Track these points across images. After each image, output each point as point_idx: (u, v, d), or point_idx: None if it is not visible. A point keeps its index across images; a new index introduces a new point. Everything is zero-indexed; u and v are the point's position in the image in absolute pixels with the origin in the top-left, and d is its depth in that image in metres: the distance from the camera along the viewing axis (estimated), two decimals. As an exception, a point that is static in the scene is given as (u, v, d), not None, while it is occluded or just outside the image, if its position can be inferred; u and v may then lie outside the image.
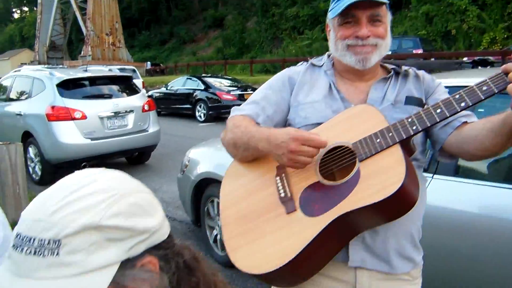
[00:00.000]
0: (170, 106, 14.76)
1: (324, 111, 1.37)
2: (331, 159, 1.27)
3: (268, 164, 1.36)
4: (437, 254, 2.21)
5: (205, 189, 4.02)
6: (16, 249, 0.64)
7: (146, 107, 7.34)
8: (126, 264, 0.66)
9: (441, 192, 2.32)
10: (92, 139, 6.52)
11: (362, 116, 1.26)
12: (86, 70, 7.69)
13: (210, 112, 13.20)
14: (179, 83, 14.97)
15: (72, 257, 0.62)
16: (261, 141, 1.29)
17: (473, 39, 18.11)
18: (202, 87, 13.79)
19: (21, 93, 7.26)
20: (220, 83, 14.25)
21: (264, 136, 1.29)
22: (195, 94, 13.81)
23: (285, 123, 1.46)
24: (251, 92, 13.60)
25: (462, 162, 2.35)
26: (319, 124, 1.35)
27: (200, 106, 13.61)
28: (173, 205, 5.84)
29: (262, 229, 1.25)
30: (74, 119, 6.39)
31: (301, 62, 1.55)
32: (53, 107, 6.37)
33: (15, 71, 9.13)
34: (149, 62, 34.38)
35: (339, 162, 1.26)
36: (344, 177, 1.21)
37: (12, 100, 7.44)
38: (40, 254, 0.62)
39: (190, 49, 39.24)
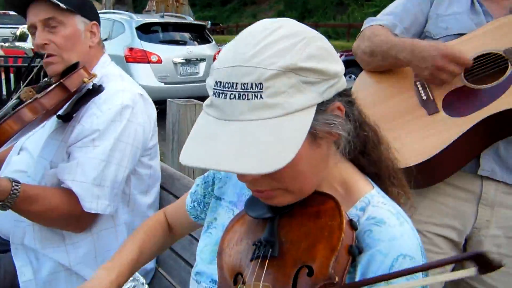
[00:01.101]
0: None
1: (467, 22, 1.36)
2: (478, 67, 1.27)
3: (404, 73, 1.38)
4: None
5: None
6: (219, 95, 0.66)
7: (217, 57, 7.45)
8: (320, 108, 0.68)
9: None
10: (165, 83, 6.74)
11: None
12: (162, 16, 7.86)
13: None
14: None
15: (274, 99, 0.64)
16: (403, 52, 1.31)
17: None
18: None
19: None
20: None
21: (407, 46, 1.30)
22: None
23: (420, 36, 1.46)
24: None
25: None
26: (460, 35, 1.34)
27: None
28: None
29: (403, 129, 1.28)
30: (150, 62, 6.62)
31: None
32: (131, 49, 6.61)
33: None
34: (209, 21, 34.51)
35: (487, 69, 1.26)
36: (492, 83, 1.21)
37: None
38: (245, 98, 0.64)
39: (250, 11, 38.89)
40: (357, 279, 0.69)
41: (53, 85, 1.26)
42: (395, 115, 1.33)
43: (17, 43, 13.12)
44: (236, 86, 0.64)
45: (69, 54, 1.37)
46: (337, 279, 0.63)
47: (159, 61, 6.70)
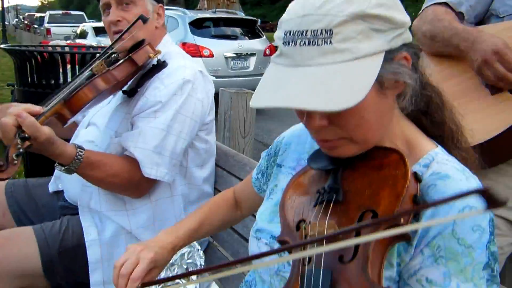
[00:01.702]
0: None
1: None
2: None
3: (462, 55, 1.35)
4: None
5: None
6: (289, 44, 0.68)
7: (267, 52, 7.50)
8: (387, 57, 0.69)
9: None
10: (216, 76, 6.87)
11: None
12: (215, 12, 8.02)
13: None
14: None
15: (344, 45, 0.65)
16: (465, 41, 1.28)
17: None
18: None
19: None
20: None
21: (471, 36, 1.27)
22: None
23: (486, 15, 1.42)
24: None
25: None
26: None
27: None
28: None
29: (465, 109, 1.26)
30: (202, 56, 6.77)
31: None
32: (184, 43, 6.79)
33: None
34: (259, 19, 34.73)
35: None
36: None
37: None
38: (315, 44, 0.66)
39: (300, 9, 38.72)
40: (419, 232, 0.69)
41: (123, 59, 1.34)
42: (457, 95, 1.30)
43: (77, 40, 13.82)
44: (306, 33, 0.66)
45: (138, 31, 1.45)
46: (402, 220, 0.64)
47: (211, 55, 6.84)
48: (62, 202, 1.58)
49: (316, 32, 0.65)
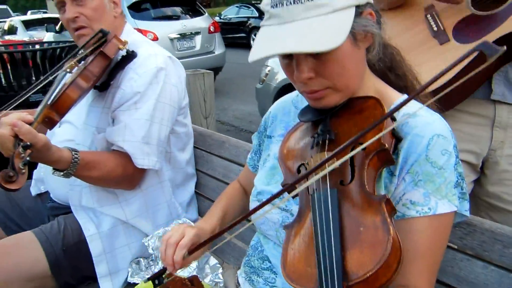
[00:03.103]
0: (225, 36, 14.78)
1: None
2: None
3: (415, 7, 1.47)
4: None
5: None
6: (277, 6, 0.81)
7: (212, 29, 7.45)
8: (357, 11, 0.82)
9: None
10: (164, 59, 6.77)
11: None
12: (152, -7, 7.81)
13: (265, 40, 13.14)
14: (232, 12, 14.83)
15: (322, 0, 0.78)
16: None
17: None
18: (257, 14, 13.62)
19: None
20: (274, 10, 14.01)
21: None
22: (249, 22, 13.70)
23: None
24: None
25: None
26: None
27: (255, 34, 13.50)
28: (246, 120, 6.13)
29: (417, 60, 1.38)
30: (147, 40, 6.63)
31: None
32: (126, 29, 6.60)
33: None
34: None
35: None
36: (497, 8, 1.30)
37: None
38: (298, 2, 0.79)
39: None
40: (399, 163, 0.83)
41: (94, 55, 1.35)
42: (410, 47, 1.42)
43: (6, 37, 12.99)
44: None
45: (98, 24, 1.45)
46: (386, 145, 0.77)
47: (155, 38, 6.70)
48: (51, 203, 1.59)
49: None
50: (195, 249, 0.94)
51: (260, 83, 4.62)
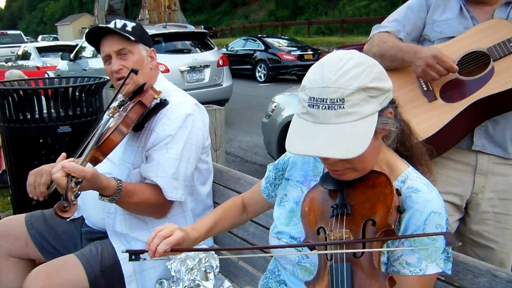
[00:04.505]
0: (231, 67, 15.17)
1: (457, 27, 1.69)
2: (467, 62, 1.61)
3: (408, 69, 1.72)
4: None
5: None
6: (313, 107, 0.94)
7: (220, 62, 7.79)
8: (379, 113, 0.98)
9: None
10: (174, 90, 7.06)
11: (496, 27, 1.57)
12: (165, 27, 8.20)
13: (270, 73, 13.52)
14: (239, 44, 15.30)
15: (352, 109, 0.93)
16: (408, 54, 1.65)
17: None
18: (262, 47, 14.06)
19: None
20: (280, 44, 14.46)
21: (412, 50, 1.64)
22: (255, 54, 14.13)
23: (419, 39, 1.80)
24: (311, 52, 13.75)
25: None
26: (452, 37, 1.68)
27: (260, 67, 13.94)
28: (251, 152, 6.36)
29: (410, 114, 1.61)
30: (158, 72, 6.94)
31: None
32: (139, 61, 6.92)
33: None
34: (202, 26, 34.84)
35: (474, 64, 1.60)
36: (478, 75, 1.55)
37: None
38: (332, 108, 0.93)
39: (241, 12, 39.26)
40: (401, 230, 1.03)
41: (133, 103, 1.59)
42: (403, 103, 1.64)
43: (20, 62, 13.42)
44: (326, 100, 0.94)
45: (138, 76, 1.70)
46: (392, 226, 0.97)
47: (167, 70, 7.02)
48: (86, 228, 1.81)
49: (333, 100, 0.93)
50: (176, 250, 1.13)
51: (266, 117, 4.87)
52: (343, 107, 0.93)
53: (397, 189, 1.02)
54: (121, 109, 1.64)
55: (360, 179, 1.07)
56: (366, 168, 1.05)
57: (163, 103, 1.69)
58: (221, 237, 1.95)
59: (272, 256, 1.33)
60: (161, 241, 1.11)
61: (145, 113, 1.70)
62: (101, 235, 1.72)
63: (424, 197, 1.02)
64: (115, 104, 1.63)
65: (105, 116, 1.59)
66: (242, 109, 9.34)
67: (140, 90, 1.70)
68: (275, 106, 4.70)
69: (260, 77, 13.90)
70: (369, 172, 1.07)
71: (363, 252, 0.96)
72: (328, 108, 0.93)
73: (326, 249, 1.00)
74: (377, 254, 0.97)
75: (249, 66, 14.36)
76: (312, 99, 0.95)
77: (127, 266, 1.62)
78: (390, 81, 1.02)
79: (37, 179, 1.63)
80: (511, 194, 1.70)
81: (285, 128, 4.44)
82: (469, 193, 1.72)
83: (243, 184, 1.87)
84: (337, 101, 0.93)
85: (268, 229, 1.32)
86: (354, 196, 1.05)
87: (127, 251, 1.10)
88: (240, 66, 14.73)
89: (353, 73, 0.94)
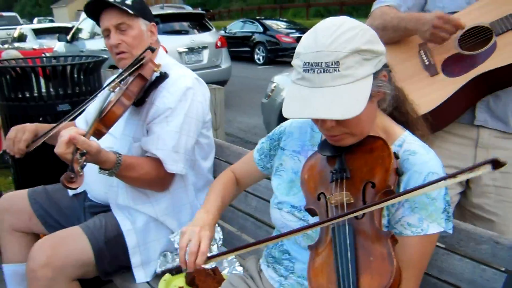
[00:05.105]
0: (229, 50, 15.05)
1: (459, 2, 1.67)
2: (469, 37, 1.60)
3: (410, 44, 1.70)
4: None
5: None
6: (308, 71, 0.94)
7: (219, 44, 7.73)
8: (374, 76, 0.98)
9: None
10: (172, 72, 7.02)
11: (499, 2, 1.55)
12: (162, 8, 8.11)
13: (268, 55, 13.42)
14: (238, 26, 15.15)
15: (347, 71, 0.93)
16: (410, 22, 1.63)
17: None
18: (261, 30, 13.94)
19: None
20: (278, 26, 14.32)
21: (414, 17, 1.62)
22: (253, 37, 14.01)
23: None
24: (310, 34, 13.63)
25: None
26: (455, 12, 1.66)
27: (259, 49, 13.84)
28: (251, 132, 6.36)
29: (411, 88, 1.61)
30: (156, 53, 6.89)
31: None
32: (137, 42, 6.86)
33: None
34: (200, 8, 34.46)
35: (476, 39, 1.58)
36: (480, 49, 1.54)
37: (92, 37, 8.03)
38: (327, 72, 0.93)
39: (239, -6, 38.85)
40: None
41: (134, 76, 1.58)
42: (404, 78, 1.65)
43: (16, 44, 13.29)
44: (321, 64, 0.94)
45: (137, 50, 1.68)
46: (392, 187, 0.98)
47: (165, 51, 6.93)
48: (88, 202, 1.81)
49: (328, 63, 0.93)
50: (212, 257, 1.12)
51: (266, 98, 4.86)
52: (338, 70, 0.93)
53: (394, 153, 1.02)
54: (122, 84, 1.63)
55: (358, 144, 1.07)
56: (363, 133, 1.05)
57: (163, 76, 1.68)
58: (224, 212, 1.95)
59: (274, 228, 1.34)
60: (195, 257, 1.11)
61: (146, 86, 1.69)
62: (104, 209, 1.73)
63: (421, 158, 1.03)
64: (115, 78, 1.63)
65: (106, 91, 1.58)
66: (241, 91, 9.30)
67: (139, 64, 1.68)
68: (275, 87, 4.68)
69: (259, 59, 13.80)
70: (367, 137, 1.07)
71: (364, 214, 0.96)
72: (324, 72, 0.94)
73: (330, 220, 0.99)
74: (378, 215, 0.98)
75: (247, 49, 14.24)
76: (307, 64, 0.95)
77: (130, 238, 1.63)
78: (383, 45, 1.02)
79: (19, 135, 1.63)
80: (512, 167, 1.71)
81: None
82: (471, 167, 1.73)
83: (244, 159, 1.87)
84: (332, 64, 0.93)
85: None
86: (353, 161, 1.05)
87: (163, 272, 1.08)
88: (239, 49, 14.60)
89: (346, 36, 0.94)
